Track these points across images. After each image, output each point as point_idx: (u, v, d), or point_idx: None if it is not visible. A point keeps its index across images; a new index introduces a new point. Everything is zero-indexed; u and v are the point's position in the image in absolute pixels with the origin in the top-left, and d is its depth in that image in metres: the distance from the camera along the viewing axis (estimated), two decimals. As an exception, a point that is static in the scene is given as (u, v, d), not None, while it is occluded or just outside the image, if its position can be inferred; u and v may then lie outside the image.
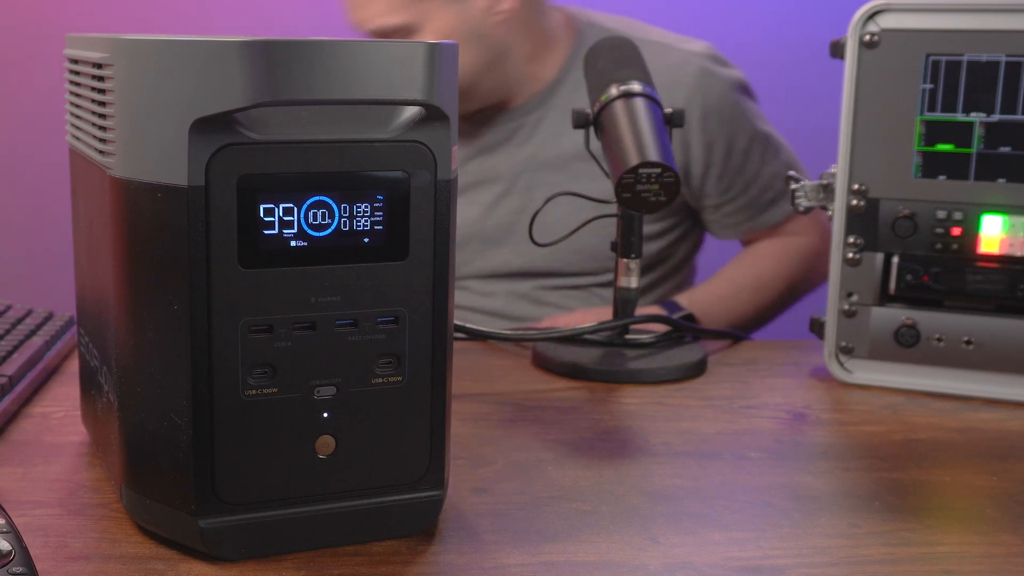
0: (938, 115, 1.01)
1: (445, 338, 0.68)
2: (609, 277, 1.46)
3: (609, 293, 1.47)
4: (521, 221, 1.46)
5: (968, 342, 1.03)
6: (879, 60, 1.01)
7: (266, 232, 0.63)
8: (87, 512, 0.73)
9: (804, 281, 1.55)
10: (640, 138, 0.99)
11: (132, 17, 2.22)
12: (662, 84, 1.44)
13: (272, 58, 0.59)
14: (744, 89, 1.51)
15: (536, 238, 1.14)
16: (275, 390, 0.65)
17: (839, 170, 1.04)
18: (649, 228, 1.47)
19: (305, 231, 0.64)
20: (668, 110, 1.06)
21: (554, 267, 1.47)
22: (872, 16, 1.01)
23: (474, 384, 1.03)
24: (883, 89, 1.01)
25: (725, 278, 1.53)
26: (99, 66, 0.66)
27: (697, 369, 1.08)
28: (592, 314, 1.32)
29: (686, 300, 1.40)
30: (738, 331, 1.23)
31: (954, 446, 0.90)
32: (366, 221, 0.65)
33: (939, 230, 1.02)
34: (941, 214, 1.02)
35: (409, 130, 0.65)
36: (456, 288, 1.53)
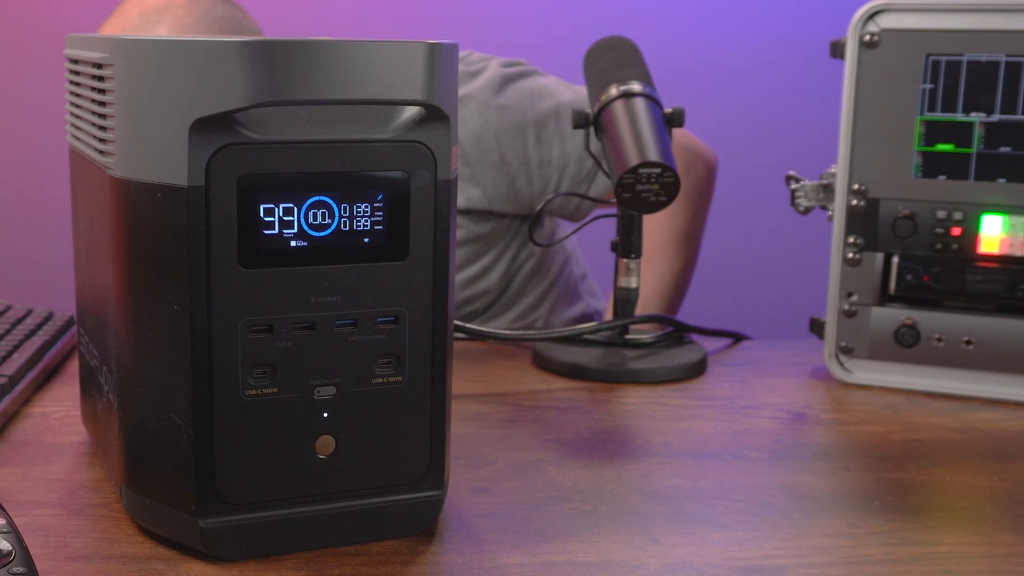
0: (938, 115, 1.01)
1: (445, 338, 0.68)
2: (466, 315, 1.47)
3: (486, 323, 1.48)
4: None
5: (968, 342, 1.03)
6: (879, 60, 1.01)
7: (266, 232, 0.63)
8: (87, 512, 0.73)
9: (693, 220, 1.51)
10: (640, 138, 0.99)
11: (132, 17, 2.21)
12: None
13: (272, 58, 0.59)
14: (504, 81, 1.43)
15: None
16: (275, 390, 0.65)
17: (839, 170, 1.04)
18: (473, 268, 1.45)
19: (305, 231, 0.64)
20: (668, 110, 1.06)
21: None
22: (872, 16, 1.01)
23: (474, 384, 1.03)
24: (883, 89, 1.01)
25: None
26: (99, 66, 0.66)
27: (697, 369, 1.08)
28: None
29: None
30: (739, 331, 1.23)
31: (954, 446, 0.90)
32: (366, 221, 0.65)
33: (939, 230, 1.02)
34: (941, 214, 1.02)
35: (409, 130, 0.65)
36: None
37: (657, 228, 1.50)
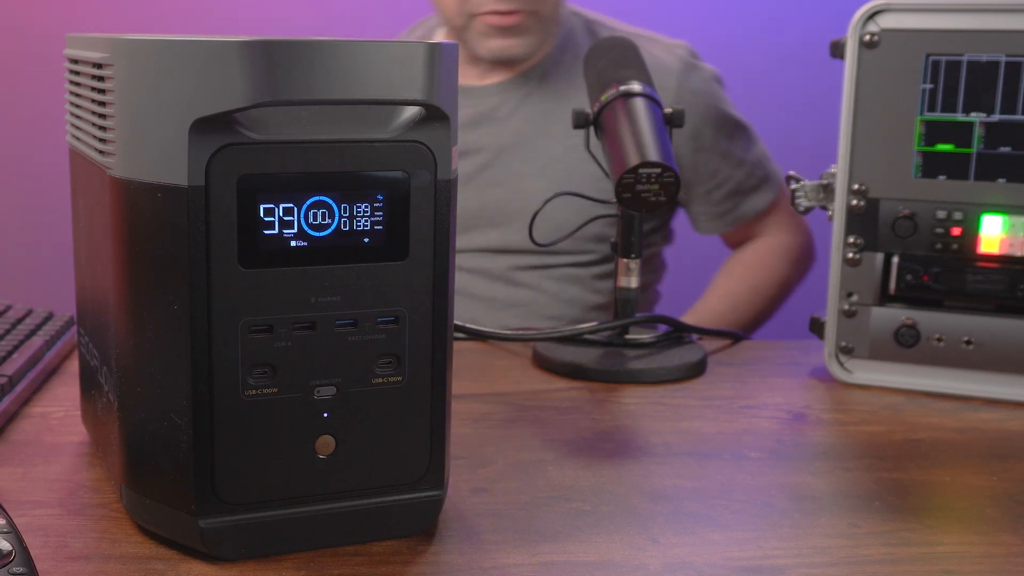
0: (938, 115, 1.01)
1: (445, 338, 0.68)
2: (587, 258, 1.47)
3: (581, 273, 1.48)
4: (500, 197, 1.47)
5: (968, 342, 1.03)
6: (879, 60, 1.01)
7: (266, 232, 0.63)
8: (87, 512, 0.73)
9: (795, 280, 1.59)
10: (640, 138, 0.99)
11: (132, 17, 2.22)
12: (648, 41, 1.46)
13: (272, 58, 0.59)
14: (721, 82, 1.55)
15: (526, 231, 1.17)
16: (275, 390, 0.65)
17: (839, 170, 1.04)
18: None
19: (305, 231, 0.64)
20: (668, 110, 1.06)
21: (529, 245, 1.46)
22: (872, 16, 1.01)
23: (474, 384, 1.03)
24: (883, 89, 1.01)
25: (721, 293, 1.55)
26: (99, 66, 0.66)
27: (697, 369, 1.08)
28: None
29: (690, 320, 1.41)
30: (738, 332, 1.23)
31: (954, 446, 0.90)
32: (366, 221, 0.65)
33: (939, 230, 1.02)
34: (941, 214, 1.02)
35: (409, 130, 0.65)
36: None
37: (774, 247, 1.58)
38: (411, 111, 0.65)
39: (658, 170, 0.97)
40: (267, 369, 0.64)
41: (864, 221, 1.04)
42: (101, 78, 0.66)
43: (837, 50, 1.04)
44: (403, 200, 0.65)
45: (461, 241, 1.50)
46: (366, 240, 0.65)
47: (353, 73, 0.61)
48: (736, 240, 1.61)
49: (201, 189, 0.61)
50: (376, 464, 0.68)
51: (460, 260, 1.51)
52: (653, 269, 1.60)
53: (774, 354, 1.17)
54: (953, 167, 1.01)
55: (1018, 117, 0.99)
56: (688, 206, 1.56)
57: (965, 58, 0.99)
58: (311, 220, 0.64)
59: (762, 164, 1.55)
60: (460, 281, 1.50)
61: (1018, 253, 1.00)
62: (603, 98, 1.05)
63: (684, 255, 1.72)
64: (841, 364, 1.06)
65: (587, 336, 1.12)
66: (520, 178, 1.47)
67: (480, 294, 1.50)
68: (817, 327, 1.09)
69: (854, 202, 1.03)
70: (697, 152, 1.50)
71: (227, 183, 0.61)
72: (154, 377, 0.65)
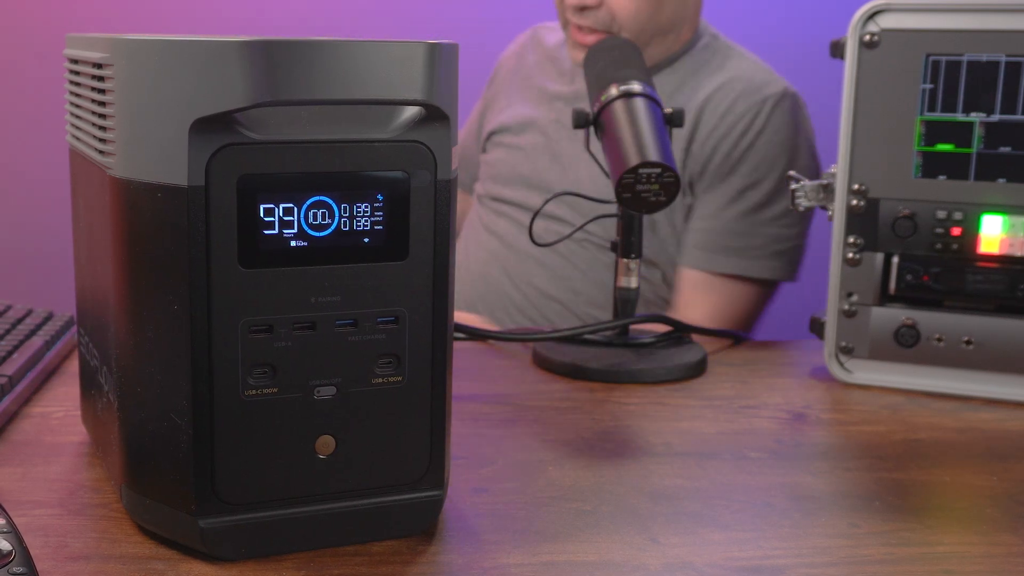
0: (938, 115, 1.01)
1: (445, 338, 0.68)
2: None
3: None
4: (571, 170, 1.48)
5: (968, 342, 1.03)
6: (879, 60, 1.01)
7: (266, 232, 0.63)
8: (87, 512, 0.73)
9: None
10: (640, 138, 0.99)
11: (132, 17, 2.22)
12: (760, 71, 1.46)
13: (272, 58, 0.59)
14: (809, 143, 1.48)
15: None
16: (275, 390, 0.65)
17: (839, 170, 1.04)
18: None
19: (305, 231, 0.64)
20: (668, 110, 1.06)
21: (576, 220, 1.44)
22: (872, 16, 1.01)
23: (474, 384, 1.03)
24: (883, 89, 1.01)
25: None
26: (99, 66, 0.66)
27: (697, 369, 1.08)
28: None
29: None
30: (738, 332, 1.23)
31: (954, 446, 0.90)
32: (366, 221, 0.65)
33: (939, 230, 1.02)
34: (941, 214, 1.02)
35: (409, 130, 0.65)
36: (497, 213, 1.54)
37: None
38: (411, 111, 0.65)
39: (658, 170, 0.97)
40: (267, 369, 0.64)
41: (864, 221, 1.04)
42: (101, 78, 0.66)
43: (837, 50, 1.04)
44: (403, 200, 0.65)
45: (522, 194, 1.52)
46: (366, 240, 0.65)
47: (353, 73, 0.61)
48: (679, 295, 1.49)
49: (201, 189, 0.61)
50: (376, 464, 0.68)
51: (513, 212, 1.54)
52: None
53: (774, 354, 1.17)
54: (953, 167, 1.01)
55: (1018, 117, 0.99)
56: (694, 207, 1.46)
57: (965, 58, 0.99)
58: (311, 220, 0.64)
59: (781, 244, 1.44)
60: (504, 229, 1.54)
61: (1018, 253, 1.00)
62: (603, 98, 1.05)
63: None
64: (841, 364, 1.07)
65: (587, 336, 1.12)
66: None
67: (519, 247, 1.52)
68: (817, 327, 1.09)
69: (854, 202, 1.03)
70: (733, 168, 1.43)
71: (227, 183, 0.61)
72: (154, 377, 0.65)
